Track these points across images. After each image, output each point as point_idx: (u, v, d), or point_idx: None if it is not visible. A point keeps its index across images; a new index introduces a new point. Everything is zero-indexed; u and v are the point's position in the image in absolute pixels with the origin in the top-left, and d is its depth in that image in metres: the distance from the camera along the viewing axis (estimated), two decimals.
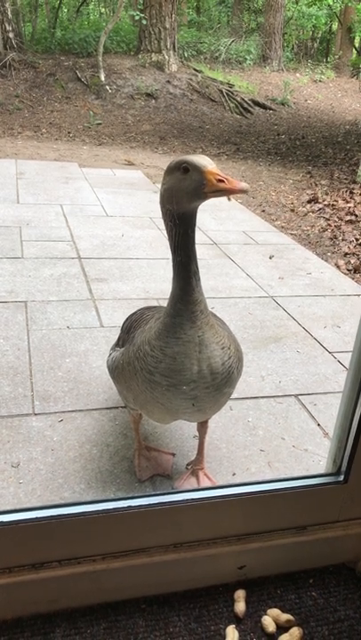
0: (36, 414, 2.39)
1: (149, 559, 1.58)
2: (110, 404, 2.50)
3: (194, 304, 1.58)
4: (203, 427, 2.06)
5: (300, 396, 2.67)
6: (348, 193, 7.35)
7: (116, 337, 2.13)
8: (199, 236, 4.93)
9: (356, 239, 5.48)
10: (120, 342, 2.00)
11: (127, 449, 2.22)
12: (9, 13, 13.40)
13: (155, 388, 1.69)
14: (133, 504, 1.53)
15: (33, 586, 1.52)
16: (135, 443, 2.18)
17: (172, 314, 1.61)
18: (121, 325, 2.11)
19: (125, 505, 1.52)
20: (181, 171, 1.46)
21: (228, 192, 1.42)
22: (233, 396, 2.57)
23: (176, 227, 1.54)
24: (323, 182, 8.18)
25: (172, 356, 1.62)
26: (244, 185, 1.40)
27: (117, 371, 1.86)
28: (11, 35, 13.32)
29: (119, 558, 1.57)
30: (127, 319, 2.06)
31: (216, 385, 1.68)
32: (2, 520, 1.45)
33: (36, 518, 1.48)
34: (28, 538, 1.49)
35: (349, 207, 6.61)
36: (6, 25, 13.19)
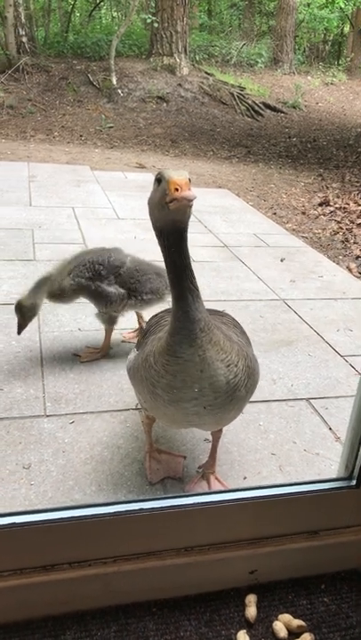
0: (47, 416, 2.40)
1: (161, 562, 1.58)
2: (121, 407, 2.50)
3: (192, 322, 1.54)
4: (216, 431, 2.05)
5: (311, 400, 2.65)
6: (359, 196, 7.32)
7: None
8: (210, 239, 4.92)
9: None
10: (138, 345, 2.00)
11: (138, 451, 2.22)
12: (22, 18, 13.50)
13: (157, 400, 1.70)
14: (145, 506, 1.52)
15: (43, 587, 1.52)
16: (146, 445, 2.18)
17: (171, 332, 1.59)
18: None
19: (137, 507, 1.52)
20: (156, 182, 1.45)
21: (178, 201, 1.37)
22: None
23: (163, 243, 1.52)
24: (334, 185, 8.15)
25: (172, 374, 1.61)
26: (189, 194, 1.36)
27: (130, 373, 1.89)
28: (24, 39, 13.42)
29: (130, 561, 1.57)
30: (149, 321, 2.06)
31: (219, 404, 1.66)
32: (13, 521, 1.45)
33: (47, 520, 1.48)
34: (39, 539, 1.50)
35: None
36: (20, 29, 13.28)
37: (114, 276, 2.70)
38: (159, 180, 1.43)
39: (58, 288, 2.68)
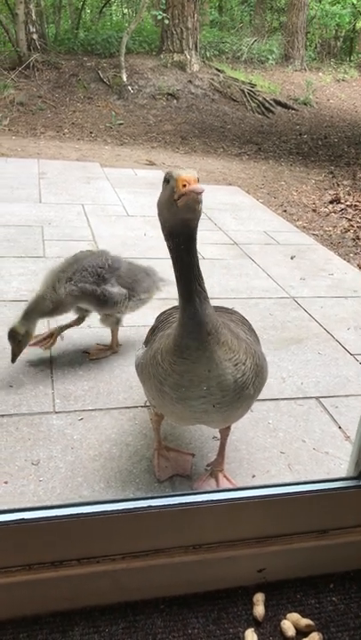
0: (56, 412, 2.40)
1: (169, 560, 1.58)
2: (130, 404, 2.50)
3: (199, 325, 1.53)
4: (224, 429, 2.05)
5: (321, 399, 2.64)
6: None
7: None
8: (220, 236, 4.91)
9: None
10: (146, 341, 2.00)
11: (146, 449, 2.22)
12: (33, 15, 13.50)
13: (165, 398, 1.70)
14: (154, 504, 1.52)
15: (52, 583, 1.53)
16: (155, 442, 2.18)
17: (178, 334, 1.58)
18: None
19: (146, 505, 1.52)
20: (165, 182, 1.43)
21: (187, 196, 1.34)
22: None
23: (172, 244, 1.50)
24: (345, 182, 8.10)
25: (179, 374, 1.61)
26: (196, 187, 1.33)
27: (139, 370, 1.89)
28: (34, 36, 13.43)
29: (139, 558, 1.57)
30: (157, 318, 2.06)
31: (227, 402, 1.67)
32: (22, 517, 1.46)
33: (56, 516, 1.48)
34: (48, 535, 1.50)
35: None
36: (30, 26, 13.29)
37: (115, 278, 2.69)
38: (168, 179, 1.41)
39: (53, 302, 2.58)
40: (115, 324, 2.85)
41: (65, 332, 2.90)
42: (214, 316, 1.57)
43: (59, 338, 2.87)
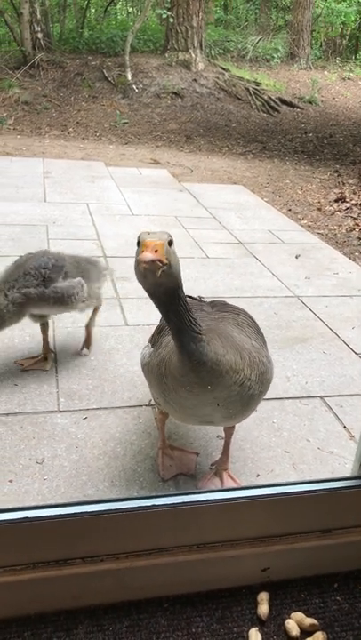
0: (60, 411, 2.41)
1: (173, 559, 1.58)
2: (134, 403, 2.50)
3: (199, 365, 1.52)
4: (229, 428, 2.05)
5: (325, 398, 2.64)
6: None
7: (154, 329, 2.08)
8: (224, 235, 4.90)
9: None
10: (152, 340, 1.99)
11: (151, 447, 2.22)
12: (38, 14, 13.50)
13: (170, 405, 1.72)
14: (158, 503, 1.53)
15: (56, 582, 1.53)
16: (159, 441, 2.18)
17: (179, 370, 1.56)
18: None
19: (150, 504, 1.52)
20: (137, 244, 1.38)
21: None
22: None
23: (153, 301, 1.48)
24: (351, 181, 8.07)
25: (183, 397, 1.63)
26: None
27: (145, 370, 1.89)
28: (39, 35, 13.42)
29: (142, 557, 1.57)
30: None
31: (233, 413, 1.71)
32: (26, 516, 1.46)
33: (60, 515, 1.49)
34: (52, 534, 1.51)
35: None
36: (35, 25, 13.29)
37: (62, 276, 2.56)
38: (138, 242, 1.37)
39: None
40: (94, 301, 2.76)
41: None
42: (212, 353, 1.53)
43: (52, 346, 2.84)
